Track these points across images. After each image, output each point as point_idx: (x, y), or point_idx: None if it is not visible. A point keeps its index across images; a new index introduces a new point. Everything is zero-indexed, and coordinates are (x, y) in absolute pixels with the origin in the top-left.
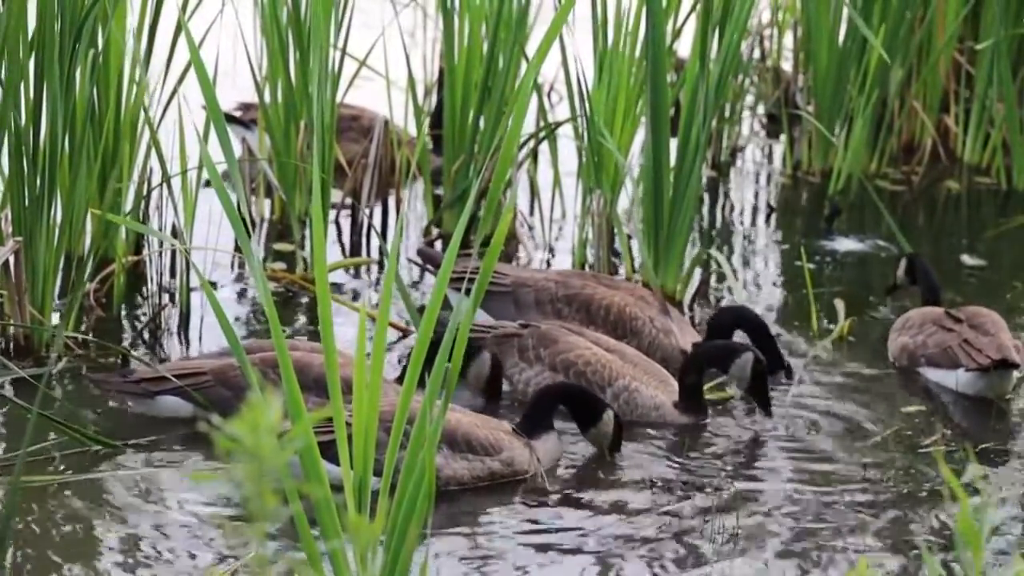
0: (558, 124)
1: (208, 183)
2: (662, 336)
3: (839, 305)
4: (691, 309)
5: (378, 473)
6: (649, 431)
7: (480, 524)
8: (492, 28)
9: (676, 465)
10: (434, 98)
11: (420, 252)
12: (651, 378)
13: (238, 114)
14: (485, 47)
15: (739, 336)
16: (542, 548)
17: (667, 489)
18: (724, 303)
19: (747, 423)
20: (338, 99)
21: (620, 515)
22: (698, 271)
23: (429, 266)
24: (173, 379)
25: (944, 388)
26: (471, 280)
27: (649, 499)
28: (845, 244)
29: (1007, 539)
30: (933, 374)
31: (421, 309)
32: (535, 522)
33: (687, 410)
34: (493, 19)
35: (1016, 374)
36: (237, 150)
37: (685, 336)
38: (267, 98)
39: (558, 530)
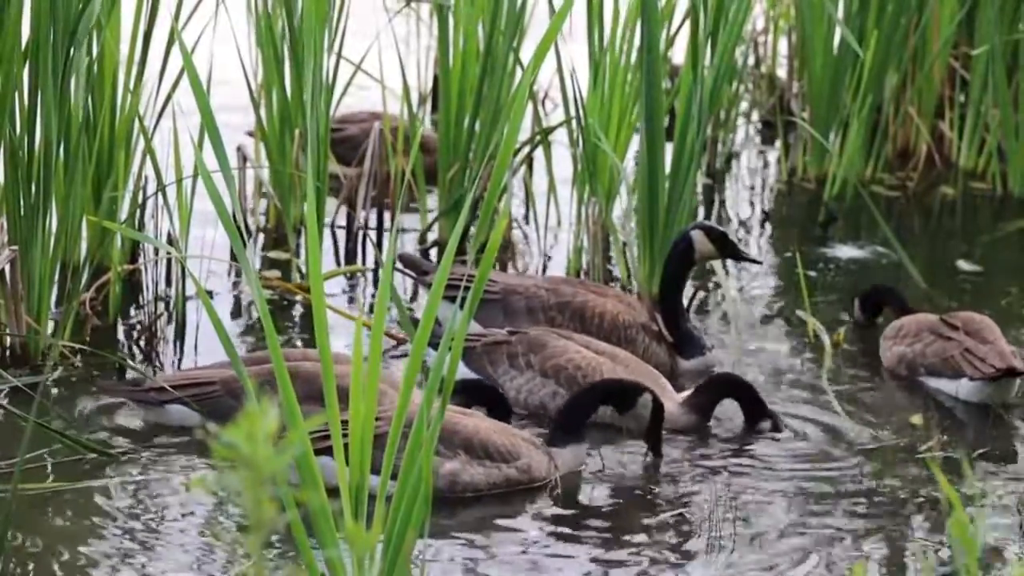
0: (552, 128)
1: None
2: (655, 344)
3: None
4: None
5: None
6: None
7: (479, 527)
8: (487, 34)
9: (676, 468)
10: (429, 104)
11: (402, 257)
12: (644, 380)
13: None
14: (480, 53)
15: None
16: (540, 551)
17: (667, 492)
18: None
19: (747, 427)
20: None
21: (620, 516)
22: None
23: (412, 272)
24: (180, 389)
25: (941, 394)
26: (460, 288)
27: (649, 502)
28: (842, 250)
29: (1005, 544)
30: (934, 383)
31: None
32: (534, 525)
33: (691, 411)
34: (488, 25)
35: (1018, 381)
36: (232, 159)
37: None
38: (262, 106)
39: (557, 532)
